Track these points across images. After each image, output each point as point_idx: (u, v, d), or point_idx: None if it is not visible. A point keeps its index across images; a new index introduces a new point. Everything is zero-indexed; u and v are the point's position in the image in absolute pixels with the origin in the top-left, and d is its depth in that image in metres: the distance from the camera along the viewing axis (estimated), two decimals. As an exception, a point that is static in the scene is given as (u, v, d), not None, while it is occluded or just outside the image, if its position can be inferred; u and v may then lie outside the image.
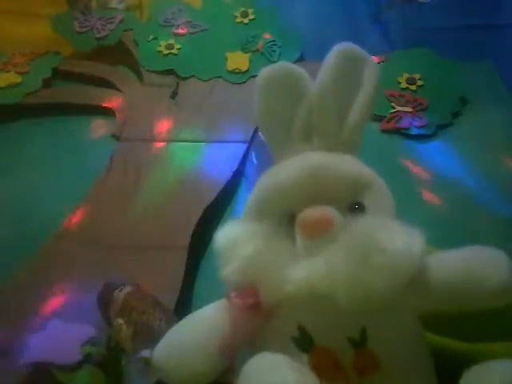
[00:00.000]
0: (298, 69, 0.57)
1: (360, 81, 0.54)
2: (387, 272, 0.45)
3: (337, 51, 0.54)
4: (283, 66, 0.57)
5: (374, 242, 0.46)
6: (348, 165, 0.53)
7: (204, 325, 0.52)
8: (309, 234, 0.48)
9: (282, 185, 0.52)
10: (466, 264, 0.49)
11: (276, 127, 0.56)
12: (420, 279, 0.48)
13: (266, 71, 0.57)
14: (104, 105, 1.20)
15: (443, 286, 0.49)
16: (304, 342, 0.48)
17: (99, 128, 1.17)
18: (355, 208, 0.51)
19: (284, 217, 0.51)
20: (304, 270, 0.47)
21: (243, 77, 1.25)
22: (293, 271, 0.47)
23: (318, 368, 0.46)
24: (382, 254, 0.45)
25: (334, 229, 0.48)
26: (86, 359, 0.69)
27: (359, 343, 0.47)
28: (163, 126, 1.15)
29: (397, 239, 0.46)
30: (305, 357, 0.48)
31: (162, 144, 1.12)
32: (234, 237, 0.51)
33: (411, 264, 0.46)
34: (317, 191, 0.50)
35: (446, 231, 0.89)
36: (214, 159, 1.08)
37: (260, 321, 0.49)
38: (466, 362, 0.46)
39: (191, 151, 1.10)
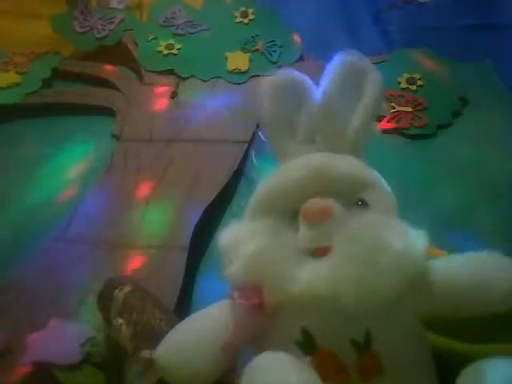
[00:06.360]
0: (302, 76, 0.58)
1: (363, 87, 0.55)
2: (393, 272, 0.45)
3: (339, 59, 0.55)
4: (288, 73, 0.58)
5: (379, 243, 0.46)
6: (351, 165, 0.53)
7: (207, 324, 0.52)
8: (310, 219, 0.49)
9: (285, 184, 0.52)
10: (472, 269, 0.50)
11: (282, 132, 0.57)
12: (424, 282, 0.48)
13: (273, 79, 0.58)
14: (104, 105, 1.20)
15: (447, 290, 0.49)
16: (307, 345, 0.48)
17: (99, 128, 1.17)
18: (358, 204, 0.51)
19: (287, 215, 0.51)
20: (308, 272, 0.47)
21: (243, 77, 1.25)
22: (297, 273, 0.47)
23: (321, 371, 0.46)
24: (387, 254, 0.45)
25: (334, 215, 0.49)
26: (86, 359, 0.69)
27: (363, 346, 0.47)
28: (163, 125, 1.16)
29: (401, 239, 0.47)
30: (308, 360, 0.47)
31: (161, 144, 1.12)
32: (237, 236, 0.51)
33: (416, 264, 0.46)
34: (320, 190, 0.51)
35: (445, 231, 0.89)
36: (214, 159, 1.08)
37: (263, 321, 0.49)
38: (468, 363, 0.46)
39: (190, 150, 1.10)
